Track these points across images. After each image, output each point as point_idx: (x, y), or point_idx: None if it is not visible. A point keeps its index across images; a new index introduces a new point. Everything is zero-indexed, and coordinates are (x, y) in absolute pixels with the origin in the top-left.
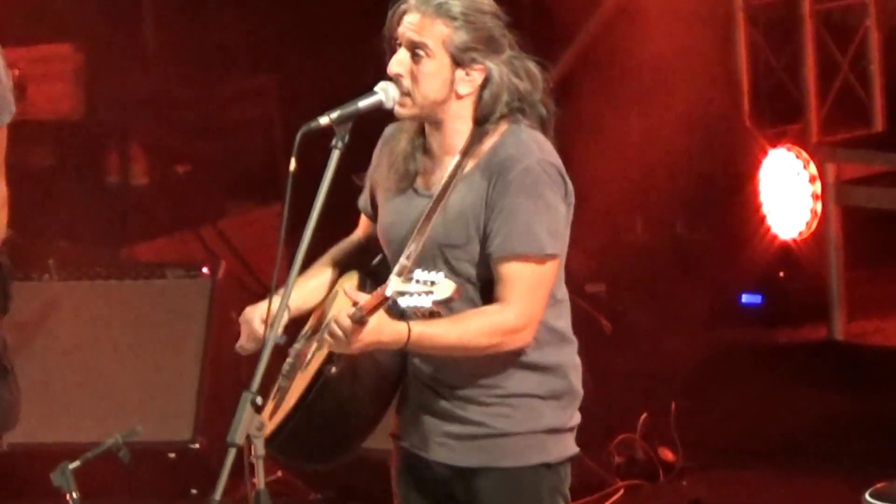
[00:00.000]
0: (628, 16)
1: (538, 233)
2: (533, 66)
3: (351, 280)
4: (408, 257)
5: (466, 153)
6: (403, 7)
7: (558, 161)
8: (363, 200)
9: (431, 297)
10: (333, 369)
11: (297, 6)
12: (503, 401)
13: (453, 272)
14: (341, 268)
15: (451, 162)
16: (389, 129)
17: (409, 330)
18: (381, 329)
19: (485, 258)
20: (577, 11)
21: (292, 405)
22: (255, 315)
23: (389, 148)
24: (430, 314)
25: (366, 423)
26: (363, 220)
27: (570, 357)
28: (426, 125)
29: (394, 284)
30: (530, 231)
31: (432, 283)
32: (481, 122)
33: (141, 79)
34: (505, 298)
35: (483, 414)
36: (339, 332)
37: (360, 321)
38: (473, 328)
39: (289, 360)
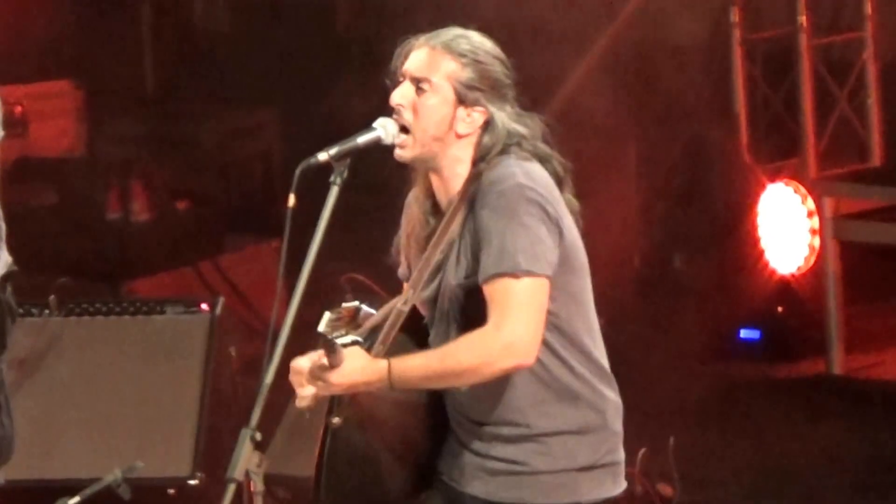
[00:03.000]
0: (625, 49)
1: (511, 251)
2: (534, 119)
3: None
4: (408, 280)
5: (465, 194)
6: (411, 45)
7: (547, 189)
8: (402, 270)
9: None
10: (336, 419)
11: (296, 42)
12: (535, 439)
13: (464, 311)
14: None
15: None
16: (410, 197)
17: (390, 365)
18: (359, 368)
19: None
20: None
21: (315, 463)
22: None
23: (407, 218)
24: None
25: (406, 462)
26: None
27: (607, 393)
28: (432, 178)
29: (324, 321)
30: (503, 250)
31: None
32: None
33: (141, 115)
34: (489, 319)
35: (517, 452)
36: (297, 379)
37: (332, 363)
38: (454, 349)
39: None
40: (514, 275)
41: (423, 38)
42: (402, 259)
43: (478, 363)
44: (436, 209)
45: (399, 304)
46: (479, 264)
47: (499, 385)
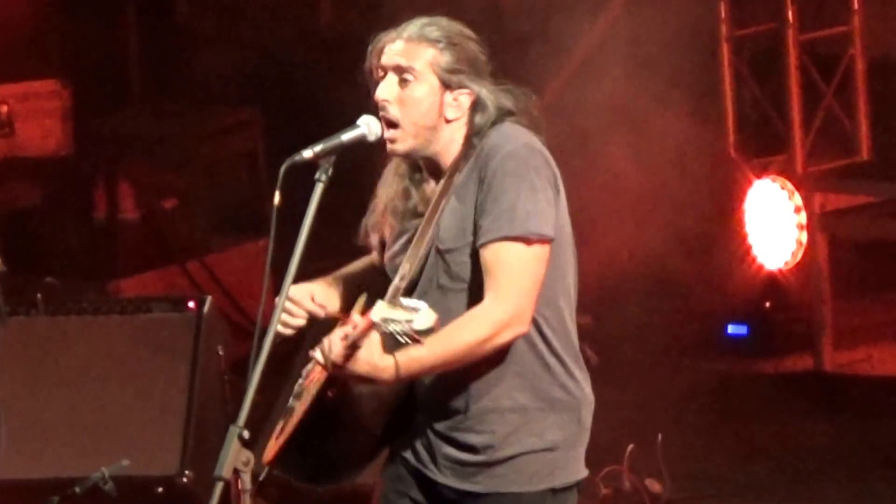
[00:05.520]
0: (614, 46)
1: (521, 214)
2: (521, 91)
3: (360, 306)
4: (402, 278)
5: (457, 166)
6: (384, 40)
7: (545, 151)
8: (375, 243)
9: (412, 325)
10: (330, 393)
11: (281, 40)
12: (500, 416)
13: (453, 277)
14: (362, 281)
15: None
16: (387, 172)
17: (397, 362)
18: (374, 360)
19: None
20: (561, 39)
21: (293, 426)
22: (305, 295)
23: (384, 190)
24: (413, 341)
25: (365, 448)
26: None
27: (579, 376)
28: (422, 164)
29: (379, 310)
30: (513, 212)
31: (415, 310)
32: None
33: (127, 115)
34: (489, 289)
35: (489, 438)
36: (326, 359)
37: (352, 346)
38: (457, 332)
39: (300, 381)
40: (525, 240)
41: (392, 33)
42: (375, 234)
43: (481, 337)
44: (419, 183)
45: (396, 281)
46: (481, 226)
47: (470, 368)
